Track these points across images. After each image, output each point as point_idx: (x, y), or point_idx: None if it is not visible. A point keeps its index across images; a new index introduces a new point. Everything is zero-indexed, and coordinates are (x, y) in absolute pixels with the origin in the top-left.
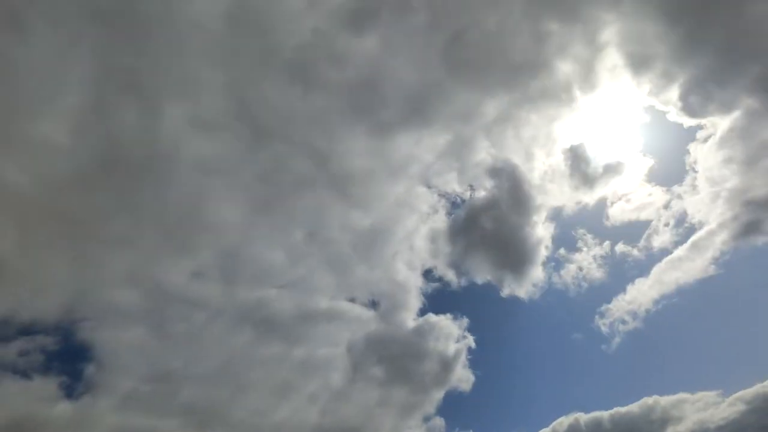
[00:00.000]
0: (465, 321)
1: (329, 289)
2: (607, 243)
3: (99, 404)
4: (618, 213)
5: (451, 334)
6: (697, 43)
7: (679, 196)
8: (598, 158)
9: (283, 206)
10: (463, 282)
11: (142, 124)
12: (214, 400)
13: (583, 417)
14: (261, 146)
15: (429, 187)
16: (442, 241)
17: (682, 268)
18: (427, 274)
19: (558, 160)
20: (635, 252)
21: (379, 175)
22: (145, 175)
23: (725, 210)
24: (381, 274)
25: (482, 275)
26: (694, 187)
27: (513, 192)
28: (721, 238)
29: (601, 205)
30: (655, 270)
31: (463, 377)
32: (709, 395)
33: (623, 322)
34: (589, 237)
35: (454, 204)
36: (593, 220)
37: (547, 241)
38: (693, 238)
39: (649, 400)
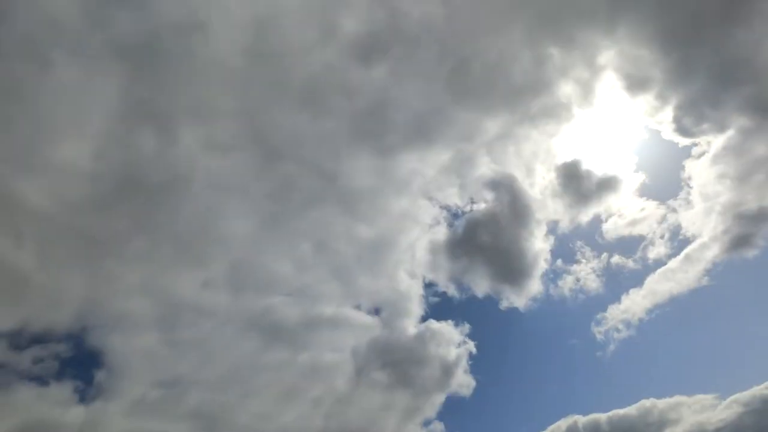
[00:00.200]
0: (466, 327)
1: (334, 297)
2: (604, 255)
3: (110, 409)
4: (615, 227)
5: (452, 340)
6: (689, 68)
7: (674, 210)
8: (595, 174)
9: (292, 221)
10: (464, 288)
11: (159, 148)
12: (222, 405)
13: (581, 419)
14: (271, 166)
15: (431, 199)
16: (442, 252)
17: (675, 279)
18: (429, 284)
19: (557, 175)
20: (630, 263)
21: (384, 192)
22: (161, 196)
23: (718, 224)
24: (384, 283)
25: (482, 283)
26: (688, 201)
27: (513, 205)
28: (713, 251)
29: (598, 219)
30: (649, 281)
31: (463, 382)
32: (706, 398)
33: (617, 330)
34: (587, 250)
35: (455, 216)
36: (591, 233)
37: (546, 254)
38: (686, 250)
39: (646, 403)
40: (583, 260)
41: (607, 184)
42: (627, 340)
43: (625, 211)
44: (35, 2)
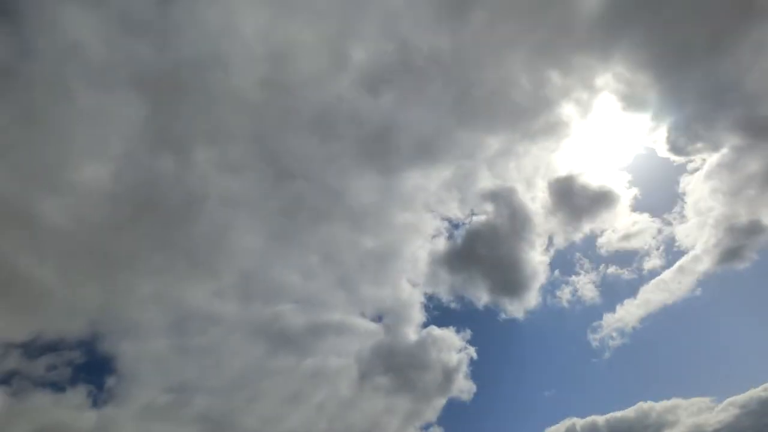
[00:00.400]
0: (467, 333)
1: (339, 305)
2: (602, 266)
3: (121, 413)
4: (612, 240)
5: (453, 345)
6: (682, 91)
7: (669, 223)
8: (592, 189)
9: (300, 235)
10: (464, 300)
11: (176, 170)
12: (229, 409)
13: (579, 422)
14: (282, 185)
15: (432, 212)
16: (443, 262)
17: (668, 289)
18: (430, 295)
19: (556, 189)
20: (626, 274)
21: (388, 207)
22: (177, 214)
23: (710, 237)
24: (388, 291)
25: (481, 294)
26: (682, 215)
27: (512, 218)
28: (705, 263)
29: (595, 232)
30: (643, 291)
31: (464, 387)
32: (702, 400)
33: (611, 338)
34: (585, 261)
35: (456, 227)
36: (588, 246)
37: (545, 266)
38: (679, 262)
39: (644, 405)
40: (582, 272)
41: (605, 199)
42: (621, 348)
43: (623, 224)
44: (62, 35)
